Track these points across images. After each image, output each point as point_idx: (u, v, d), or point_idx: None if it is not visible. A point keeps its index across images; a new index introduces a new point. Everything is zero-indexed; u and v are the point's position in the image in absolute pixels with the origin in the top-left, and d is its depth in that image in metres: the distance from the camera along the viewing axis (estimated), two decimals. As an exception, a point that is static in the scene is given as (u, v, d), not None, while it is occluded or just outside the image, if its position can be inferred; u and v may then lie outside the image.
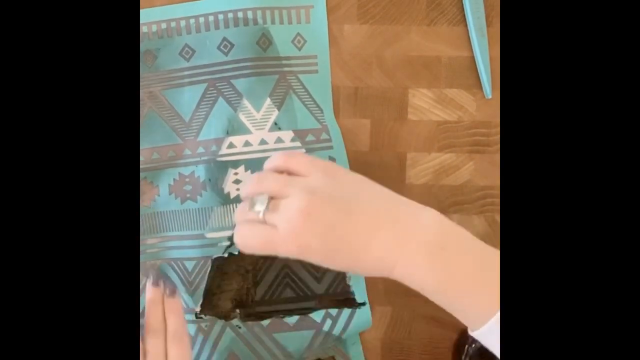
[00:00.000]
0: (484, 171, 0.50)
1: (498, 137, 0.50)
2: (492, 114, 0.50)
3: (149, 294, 0.43)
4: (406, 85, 0.50)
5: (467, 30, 0.49)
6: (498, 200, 0.50)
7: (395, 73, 0.49)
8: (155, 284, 0.43)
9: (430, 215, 0.37)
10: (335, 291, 0.49)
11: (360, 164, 0.49)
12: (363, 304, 0.49)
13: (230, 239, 0.47)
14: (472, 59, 0.49)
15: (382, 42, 0.49)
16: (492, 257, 0.36)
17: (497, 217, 0.50)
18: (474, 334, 0.36)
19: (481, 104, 0.50)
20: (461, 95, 0.50)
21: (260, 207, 0.37)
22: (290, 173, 0.39)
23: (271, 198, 0.37)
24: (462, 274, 0.35)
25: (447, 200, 0.50)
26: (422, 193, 0.50)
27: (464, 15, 0.49)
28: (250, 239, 0.38)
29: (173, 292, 0.44)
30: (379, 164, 0.49)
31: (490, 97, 0.49)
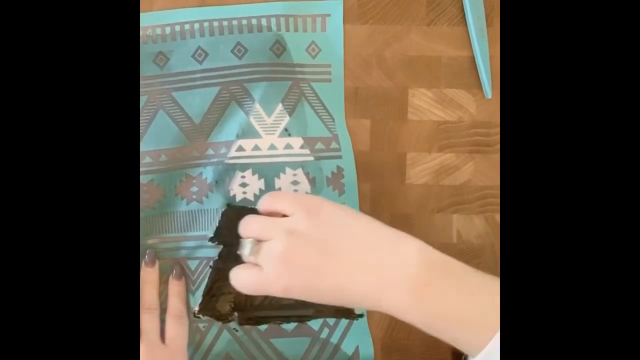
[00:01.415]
0: (484, 171, 0.50)
1: (498, 137, 0.50)
2: (492, 114, 0.50)
3: (144, 274, 0.47)
4: (406, 85, 0.50)
5: (467, 30, 0.49)
6: (498, 200, 0.50)
7: (395, 73, 0.49)
8: (178, 277, 0.47)
9: (413, 250, 0.38)
10: None
11: (360, 164, 0.49)
12: (361, 315, 0.49)
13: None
14: (472, 59, 0.49)
15: (382, 42, 0.49)
16: (478, 283, 0.37)
17: (497, 217, 0.50)
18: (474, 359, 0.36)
19: (481, 104, 0.50)
20: (461, 95, 0.50)
21: (245, 251, 0.40)
22: (280, 214, 0.41)
23: (258, 241, 0.40)
24: (448, 308, 0.36)
25: (447, 200, 0.50)
26: (422, 193, 0.50)
27: (464, 15, 0.49)
28: (242, 281, 0.40)
29: (180, 276, 0.47)
30: (379, 164, 0.49)
31: (490, 97, 0.49)
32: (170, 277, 0.47)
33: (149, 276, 0.46)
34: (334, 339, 0.49)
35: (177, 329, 0.46)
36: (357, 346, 0.50)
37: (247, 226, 0.41)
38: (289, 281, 0.38)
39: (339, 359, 0.50)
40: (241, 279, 0.40)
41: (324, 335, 0.49)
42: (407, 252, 0.37)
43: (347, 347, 0.49)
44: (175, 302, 0.47)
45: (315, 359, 0.49)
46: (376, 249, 0.38)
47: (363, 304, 0.38)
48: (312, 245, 0.38)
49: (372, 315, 0.50)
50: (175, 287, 0.47)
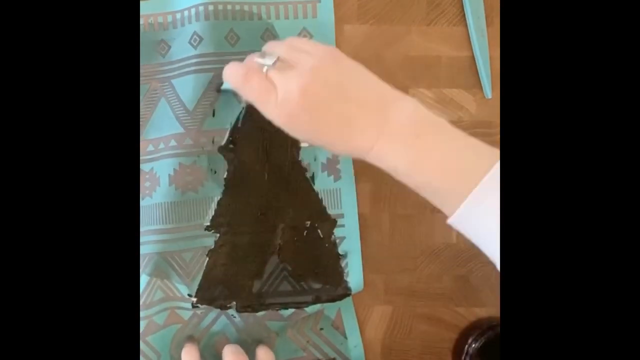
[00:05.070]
0: (484, 171, 0.50)
1: (498, 137, 0.49)
2: (492, 114, 0.50)
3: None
4: (406, 85, 0.50)
5: (467, 30, 0.49)
6: (498, 200, 0.50)
7: (395, 73, 0.49)
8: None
9: (409, 105, 0.39)
10: (332, 286, 0.49)
11: (360, 164, 0.49)
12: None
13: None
14: (472, 59, 0.49)
15: (382, 42, 0.49)
16: (467, 143, 0.38)
17: (497, 217, 0.50)
18: (449, 221, 0.37)
19: (481, 104, 0.50)
20: (461, 95, 0.50)
21: (268, 62, 0.40)
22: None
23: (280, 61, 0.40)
24: (434, 158, 0.37)
25: (447, 200, 0.50)
26: (422, 193, 0.50)
27: (464, 15, 0.49)
28: (249, 86, 0.40)
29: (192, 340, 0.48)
30: (379, 164, 0.49)
31: (490, 97, 0.49)
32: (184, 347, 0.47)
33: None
34: (329, 313, 0.50)
35: None
36: (339, 309, 0.50)
37: (277, 45, 0.42)
38: (296, 111, 0.38)
39: (323, 324, 0.50)
40: (251, 84, 0.40)
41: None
42: (404, 107, 0.39)
43: (330, 312, 0.50)
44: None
45: (300, 326, 0.50)
46: (380, 102, 0.39)
47: (352, 152, 0.39)
48: (330, 85, 0.38)
49: (371, 316, 0.50)
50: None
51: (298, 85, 0.38)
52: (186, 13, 0.48)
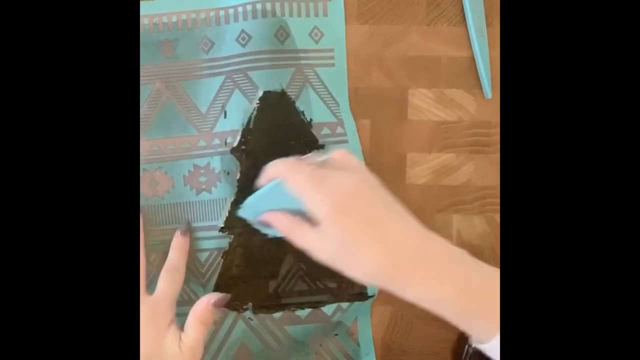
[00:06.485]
0: (484, 171, 0.50)
1: (498, 137, 0.50)
2: (492, 114, 0.50)
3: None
4: (406, 85, 0.50)
5: (467, 30, 0.49)
6: (498, 200, 0.50)
7: (395, 73, 0.49)
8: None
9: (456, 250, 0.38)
10: (348, 285, 0.49)
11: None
12: (372, 296, 0.49)
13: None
14: (472, 59, 0.49)
15: (382, 42, 0.49)
16: (495, 278, 0.36)
17: (497, 217, 0.50)
18: (480, 346, 0.36)
19: (481, 104, 0.50)
20: (461, 95, 0.50)
21: (323, 157, 0.40)
22: None
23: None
24: (474, 290, 0.35)
25: (447, 200, 0.50)
26: (422, 193, 0.50)
27: (464, 15, 0.49)
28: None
29: (185, 232, 0.47)
30: (379, 164, 0.49)
31: (490, 97, 0.49)
32: (176, 233, 0.47)
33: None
34: (346, 321, 0.49)
35: (169, 284, 0.45)
36: (356, 317, 0.50)
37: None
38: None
39: (338, 330, 0.50)
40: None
41: (336, 319, 0.49)
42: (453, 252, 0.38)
43: (347, 319, 0.50)
44: (174, 256, 0.46)
45: (319, 334, 0.49)
46: (427, 251, 0.37)
47: (388, 287, 0.37)
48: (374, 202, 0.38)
49: (371, 316, 0.50)
50: (178, 242, 0.47)
51: (343, 190, 0.39)
52: (193, 16, 0.48)
